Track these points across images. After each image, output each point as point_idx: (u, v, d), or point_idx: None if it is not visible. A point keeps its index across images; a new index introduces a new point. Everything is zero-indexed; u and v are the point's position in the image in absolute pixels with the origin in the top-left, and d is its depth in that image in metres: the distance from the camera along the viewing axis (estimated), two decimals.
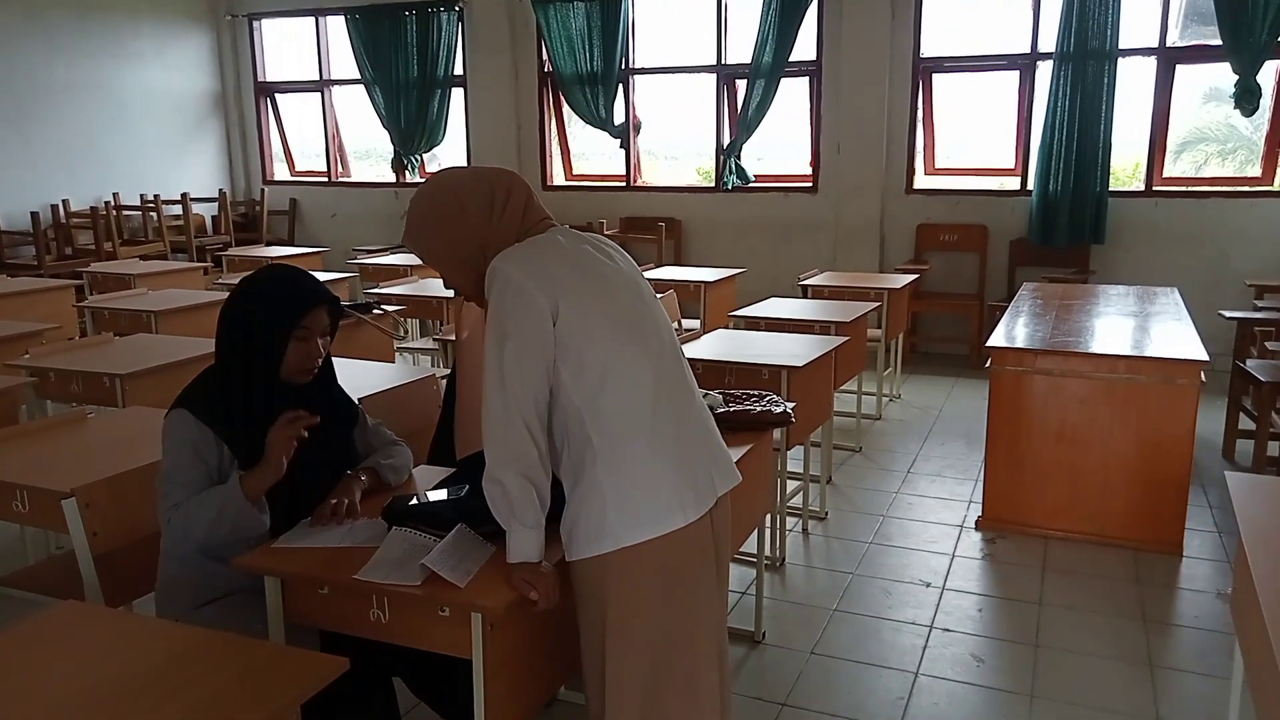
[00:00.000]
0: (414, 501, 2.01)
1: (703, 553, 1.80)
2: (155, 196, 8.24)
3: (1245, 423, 4.64)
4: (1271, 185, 6.37)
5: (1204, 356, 3.55)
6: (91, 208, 7.82)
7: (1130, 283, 5.83)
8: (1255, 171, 6.51)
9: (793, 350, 3.64)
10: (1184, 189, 6.59)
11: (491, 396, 1.68)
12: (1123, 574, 3.47)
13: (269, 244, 8.86)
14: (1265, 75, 6.10)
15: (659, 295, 5.33)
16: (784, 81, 7.29)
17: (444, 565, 1.71)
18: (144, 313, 4.75)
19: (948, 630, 3.09)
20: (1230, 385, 4.73)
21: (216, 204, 8.96)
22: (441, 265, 1.84)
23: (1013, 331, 4.08)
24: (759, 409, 2.66)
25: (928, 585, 3.40)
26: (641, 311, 1.81)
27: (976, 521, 3.92)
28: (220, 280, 5.96)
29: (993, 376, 3.82)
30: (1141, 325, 4.26)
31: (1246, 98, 6.07)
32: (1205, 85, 6.76)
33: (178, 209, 8.34)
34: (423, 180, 8.96)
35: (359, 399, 2.86)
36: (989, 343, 3.87)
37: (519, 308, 1.68)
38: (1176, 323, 4.21)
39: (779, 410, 2.67)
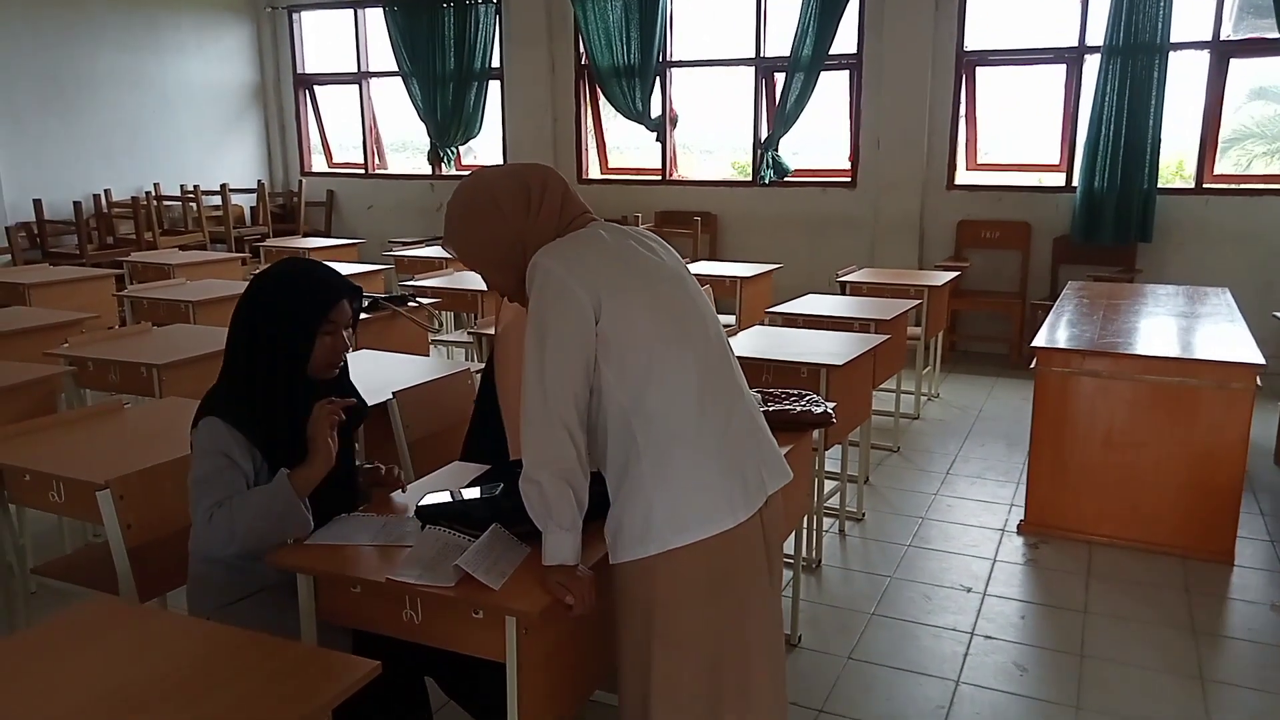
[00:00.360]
0: (448, 499, 1.98)
1: (753, 553, 1.75)
2: (195, 187, 8.32)
3: None
4: None
5: (1260, 360, 3.43)
6: (133, 198, 7.90)
7: (1178, 282, 5.68)
8: None
9: (832, 348, 3.57)
10: (1235, 187, 6.40)
11: (530, 395, 1.64)
12: (1171, 582, 3.37)
13: (306, 235, 8.91)
14: None
15: None
16: (823, 75, 7.19)
17: (478, 567, 1.67)
18: (182, 303, 4.77)
19: (990, 637, 3.01)
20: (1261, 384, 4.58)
21: (255, 195, 9.02)
22: (481, 265, 1.80)
23: (1058, 332, 3.97)
24: (799, 409, 2.60)
25: (969, 590, 3.32)
26: (687, 307, 1.76)
27: (1019, 525, 3.82)
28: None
29: (1037, 377, 3.73)
30: (1192, 326, 4.13)
31: None
32: (1252, 81, 6.56)
33: (217, 200, 8.40)
34: (460, 174, 8.96)
35: (392, 393, 2.86)
36: (1034, 343, 3.77)
37: (560, 304, 1.64)
38: (1229, 324, 4.08)
39: (819, 410, 2.61)
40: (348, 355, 2.12)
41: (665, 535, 1.65)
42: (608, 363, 1.66)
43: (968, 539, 3.76)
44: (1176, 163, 6.68)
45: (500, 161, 8.63)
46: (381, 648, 1.86)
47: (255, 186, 9.06)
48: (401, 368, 3.33)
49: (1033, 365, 3.74)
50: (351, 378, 2.17)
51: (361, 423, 2.21)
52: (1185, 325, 4.17)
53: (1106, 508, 3.65)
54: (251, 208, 9.10)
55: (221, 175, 8.73)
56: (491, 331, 4.06)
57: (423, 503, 1.95)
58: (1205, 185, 6.43)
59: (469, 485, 2.10)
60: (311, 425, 1.92)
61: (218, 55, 9.04)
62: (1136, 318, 4.30)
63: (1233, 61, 6.29)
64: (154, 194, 8.21)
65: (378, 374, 3.23)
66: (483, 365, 3.41)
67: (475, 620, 1.68)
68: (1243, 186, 6.39)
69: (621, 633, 1.75)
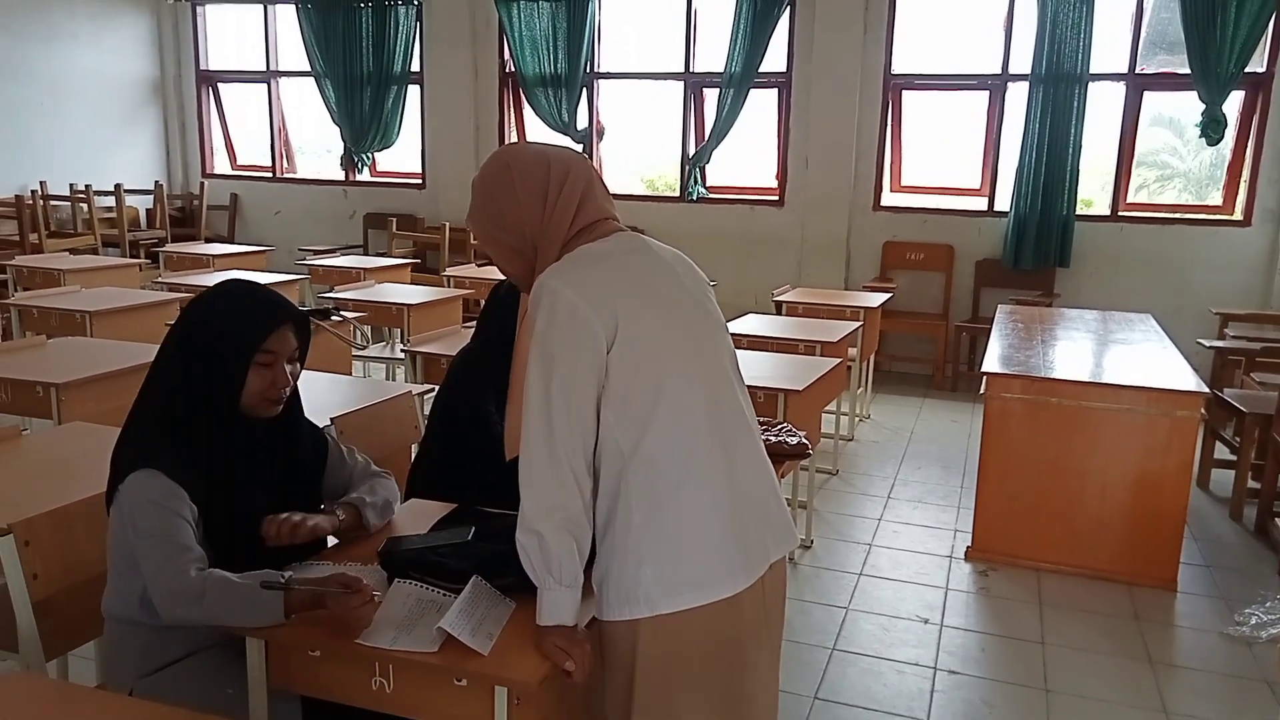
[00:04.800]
0: (416, 546, 1.77)
1: (752, 624, 1.57)
2: (86, 187, 7.74)
3: (1220, 451, 4.62)
4: (1232, 214, 6.43)
5: (1204, 388, 3.48)
6: (16, 196, 7.30)
7: (1093, 307, 5.81)
8: (1216, 199, 6.58)
9: (788, 372, 3.47)
10: (1147, 215, 6.62)
11: (533, 435, 1.46)
12: (1121, 611, 3.37)
13: (208, 240, 8.41)
14: (1230, 105, 6.16)
15: None
16: (753, 92, 7.16)
17: (464, 629, 1.48)
18: (78, 313, 4.38)
19: (954, 672, 2.94)
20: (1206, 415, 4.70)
21: (152, 196, 8.48)
22: (493, 248, 1.63)
23: (1004, 356, 3.97)
24: (774, 439, 2.48)
25: (926, 622, 3.26)
26: (703, 342, 1.59)
27: (966, 552, 3.79)
28: (160, 279, 5.57)
29: (987, 403, 3.70)
30: (1131, 353, 4.19)
31: (1213, 127, 6.12)
32: (1151, 111, 6.80)
33: (110, 201, 7.86)
34: (376, 180, 8.54)
35: (330, 418, 2.62)
36: (984, 368, 3.74)
37: (571, 333, 1.46)
38: (1164, 351, 4.16)
39: (795, 441, 2.49)
40: (297, 389, 1.88)
41: (654, 598, 1.48)
42: (608, 401, 1.49)
43: (917, 566, 3.70)
44: (1089, 191, 6.87)
45: (420, 167, 8.33)
46: (334, 717, 1.65)
47: (152, 188, 8.52)
48: (333, 389, 3.08)
49: (982, 391, 3.71)
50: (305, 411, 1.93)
51: (325, 462, 1.96)
52: (1123, 351, 4.24)
53: (1054, 535, 3.65)
54: (148, 210, 8.55)
55: (115, 175, 8.16)
56: (429, 349, 3.84)
57: (388, 550, 1.74)
58: (1120, 213, 6.63)
59: (434, 529, 1.90)
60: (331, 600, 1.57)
61: (114, 47, 8.48)
62: (1074, 343, 4.35)
63: (1146, 94, 6.51)
64: (40, 193, 7.61)
65: (307, 396, 2.97)
66: (427, 387, 3.20)
67: (458, 689, 1.48)
68: (1154, 215, 6.61)
69: (607, 696, 1.58)
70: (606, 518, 1.52)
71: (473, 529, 1.82)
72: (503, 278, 2.74)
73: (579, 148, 7.70)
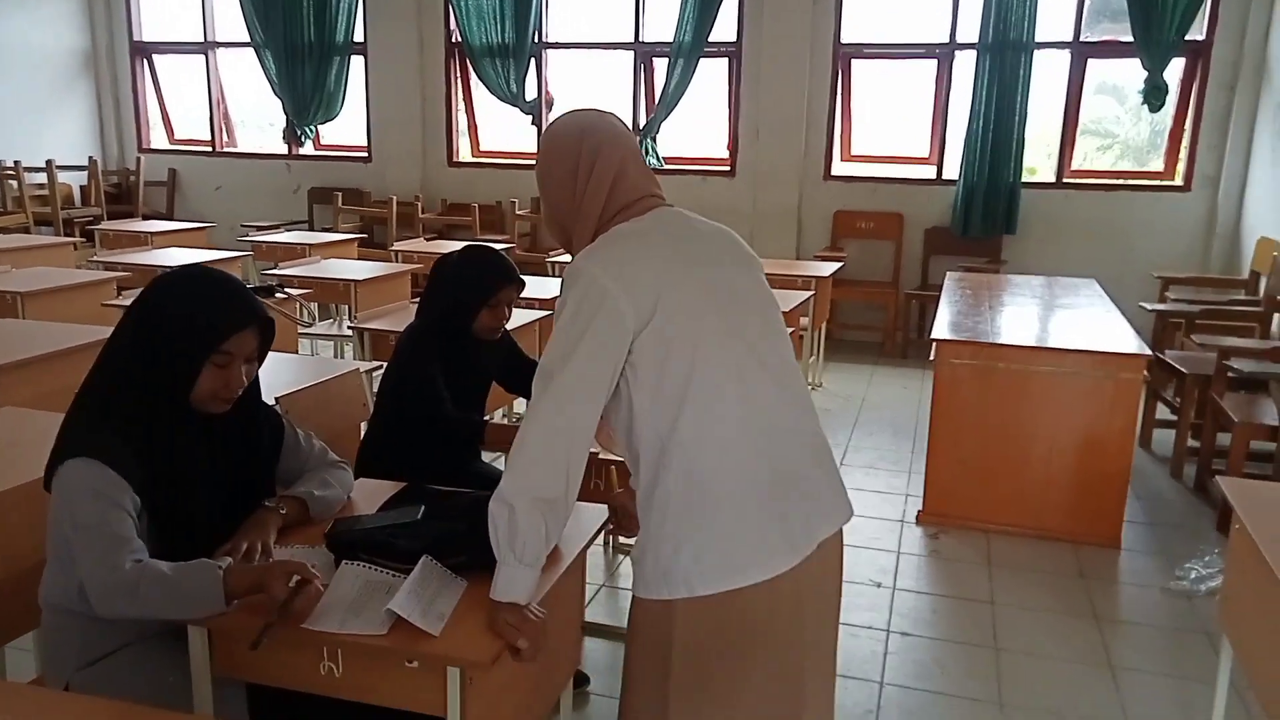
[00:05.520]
0: (365, 526, 1.74)
1: (796, 604, 1.52)
2: (15, 163, 7.47)
3: (1162, 412, 4.73)
4: (1173, 180, 6.56)
5: (1146, 351, 3.55)
6: None
7: (1040, 273, 5.90)
8: (1158, 166, 6.70)
9: None
10: (1092, 181, 6.72)
11: (539, 414, 1.43)
12: (1067, 569, 3.45)
13: (146, 217, 8.18)
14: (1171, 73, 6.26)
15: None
16: (703, 62, 7.11)
17: (413, 610, 1.45)
18: (8, 294, 4.22)
19: (906, 634, 2.98)
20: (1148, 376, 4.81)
21: (86, 173, 8.21)
22: (544, 215, 1.65)
23: (953, 323, 4.01)
24: None
25: (879, 585, 3.30)
26: (742, 321, 1.52)
27: (917, 515, 3.85)
28: (95, 258, 5.40)
29: (937, 369, 3.74)
30: (1076, 318, 4.26)
31: (1155, 94, 6.21)
32: (1096, 79, 6.89)
33: (42, 177, 7.59)
34: (320, 154, 8.34)
35: (276, 398, 2.56)
36: (934, 335, 3.78)
37: (598, 321, 1.42)
38: (1108, 315, 4.23)
39: None
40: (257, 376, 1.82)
41: (691, 579, 1.45)
42: (640, 384, 1.46)
43: (869, 531, 3.74)
44: (1034, 159, 6.95)
45: (365, 140, 8.16)
46: (282, 702, 1.62)
47: (86, 164, 8.24)
48: (281, 368, 3.00)
49: (931, 357, 3.75)
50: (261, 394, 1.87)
51: (280, 448, 1.91)
52: (1068, 316, 4.30)
53: (1002, 497, 3.71)
54: (82, 187, 8.29)
55: (47, 150, 7.87)
56: (376, 326, 3.77)
57: (335, 531, 1.71)
58: (1065, 180, 6.72)
59: (383, 508, 1.87)
60: (270, 568, 1.55)
61: (43, 17, 8.17)
62: (1021, 309, 4.41)
63: (1090, 62, 6.59)
64: None
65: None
66: (376, 364, 3.15)
67: (408, 671, 1.46)
68: (1099, 181, 6.72)
69: (633, 671, 1.56)
70: (647, 499, 1.49)
71: (422, 508, 1.79)
72: (447, 251, 2.71)
73: (528, 119, 7.61)
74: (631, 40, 7.41)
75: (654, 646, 1.50)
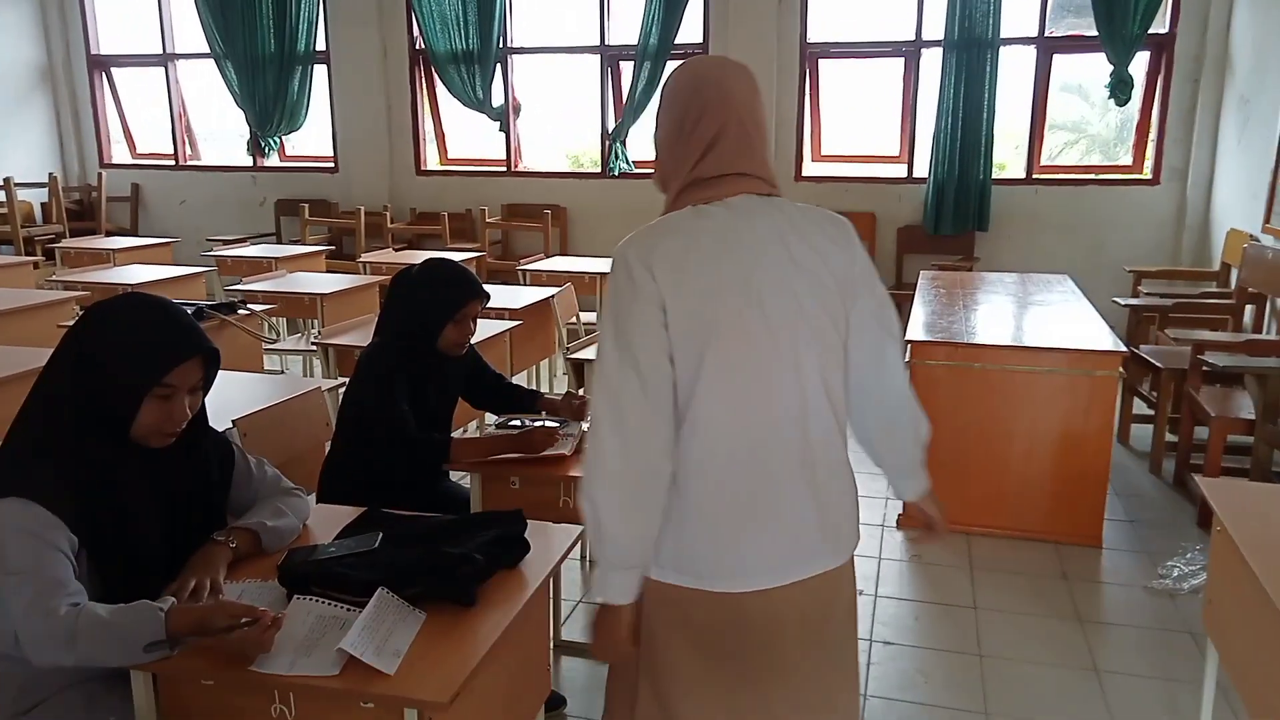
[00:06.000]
0: (317, 557, 1.66)
1: (766, 633, 1.45)
2: None
3: (1139, 407, 4.72)
4: (1142, 174, 6.57)
5: (1122, 347, 3.52)
6: None
7: (1012, 269, 5.88)
8: (1126, 160, 6.72)
9: None
10: (1061, 177, 6.73)
11: (597, 403, 1.39)
12: (1049, 570, 3.41)
13: (109, 234, 8.03)
14: (1136, 67, 6.27)
15: (557, 289, 4.90)
16: (670, 64, 7.06)
17: (366, 647, 1.38)
18: None
19: (889, 643, 2.93)
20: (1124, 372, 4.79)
21: (46, 190, 8.04)
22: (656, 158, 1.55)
23: (927, 324, 3.97)
24: None
25: (861, 593, 3.24)
26: (778, 338, 1.41)
27: (898, 520, 3.80)
28: (55, 276, 5.26)
29: (912, 370, 3.69)
30: (1051, 315, 4.23)
31: (1121, 88, 6.23)
32: (1062, 75, 6.90)
33: (0, 195, 7.42)
34: (284, 166, 8.20)
35: (232, 420, 2.47)
36: (908, 336, 3.73)
37: (630, 299, 1.38)
38: (1082, 311, 4.21)
39: None
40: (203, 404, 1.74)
41: (662, 563, 1.44)
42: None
43: None
44: (1004, 155, 6.95)
45: (331, 150, 8.04)
46: None
47: (46, 180, 8.07)
48: (239, 388, 2.91)
49: (906, 359, 3.71)
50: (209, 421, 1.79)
51: (231, 479, 1.83)
52: (1042, 314, 4.27)
53: (982, 498, 3.67)
54: (43, 204, 8.12)
55: (5, 168, 7.71)
56: (341, 341, 3.68)
57: (287, 564, 1.63)
58: (1034, 176, 6.72)
59: (340, 535, 1.79)
60: (214, 608, 1.48)
61: None
62: (995, 307, 4.38)
63: (1055, 57, 6.59)
64: None
65: (212, 397, 2.81)
66: (340, 382, 3.05)
67: (364, 711, 1.39)
68: (1067, 177, 6.72)
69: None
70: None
71: (380, 535, 1.72)
72: (407, 265, 2.63)
73: (495, 125, 7.53)
74: (597, 44, 7.35)
75: (643, 625, 1.48)
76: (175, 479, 1.70)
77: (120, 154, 8.82)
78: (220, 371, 3.18)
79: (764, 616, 1.45)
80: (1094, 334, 3.74)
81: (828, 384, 1.46)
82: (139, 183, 8.61)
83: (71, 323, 1.65)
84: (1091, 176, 6.70)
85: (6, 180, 7.38)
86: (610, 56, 7.36)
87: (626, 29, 7.22)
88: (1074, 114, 7.18)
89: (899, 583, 3.34)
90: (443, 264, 2.52)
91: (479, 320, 2.66)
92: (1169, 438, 4.33)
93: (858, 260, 1.50)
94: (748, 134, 1.46)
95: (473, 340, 2.62)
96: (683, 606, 1.44)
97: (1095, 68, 6.40)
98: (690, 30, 7.02)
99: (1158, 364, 4.27)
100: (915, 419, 1.67)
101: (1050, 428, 3.56)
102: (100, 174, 8.47)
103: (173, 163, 8.57)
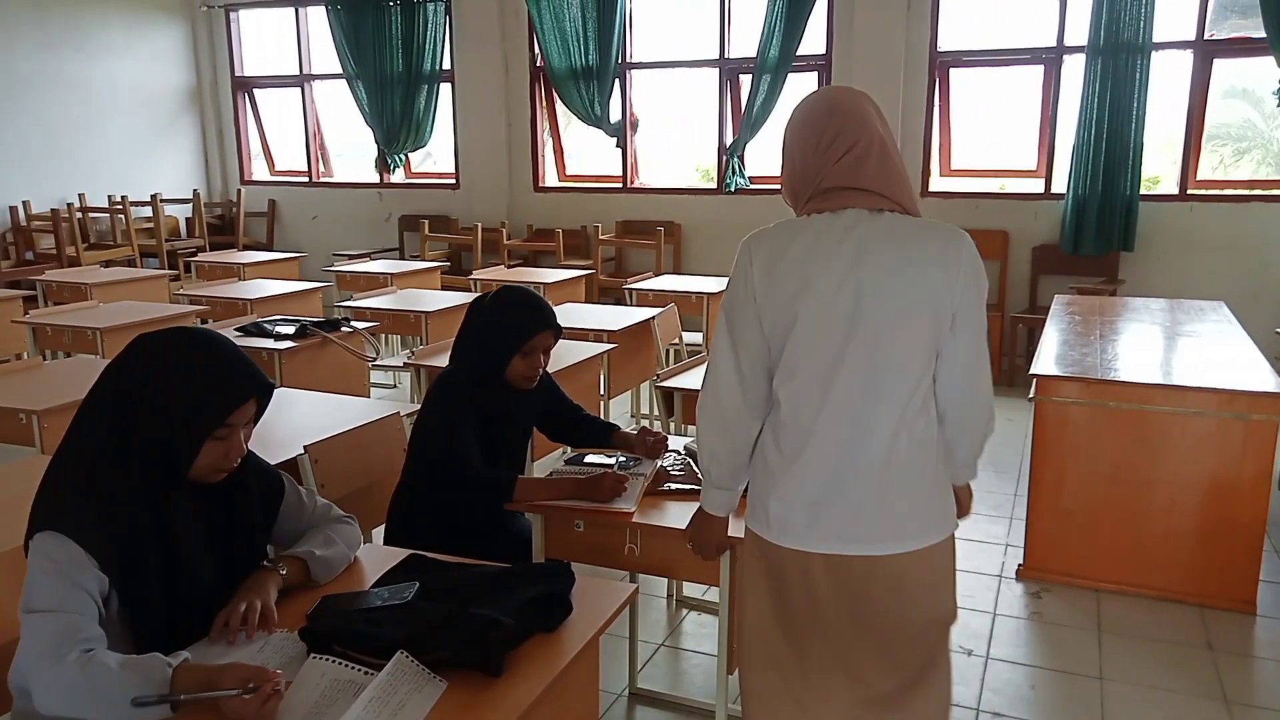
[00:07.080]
0: (346, 609, 1.55)
1: (808, 593, 1.65)
2: (123, 198, 7.76)
3: None
4: None
5: None
6: (53, 210, 7.35)
7: (1161, 294, 5.38)
8: None
9: None
10: (1219, 193, 6.14)
11: (707, 377, 1.69)
12: (1192, 639, 3.03)
13: (246, 248, 8.41)
14: None
15: (659, 310, 4.76)
16: (791, 77, 6.84)
17: None
18: (89, 330, 4.29)
19: (999, 715, 2.64)
20: None
21: (190, 205, 8.49)
22: (783, 177, 1.75)
23: (1057, 355, 3.62)
24: None
25: (970, 653, 2.95)
26: (851, 341, 1.57)
27: (1018, 570, 3.47)
28: (182, 290, 5.48)
29: (1037, 407, 3.37)
30: (1200, 347, 3.80)
31: None
32: (1224, 82, 6.30)
33: (148, 211, 7.87)
34: (410, 183, 8.40)
35: (304, 447, 2.42)
36: (1034, 370, 3.41)
37: (736, 285, 1.64)
38: (1239, 345, 3.76)
39: None
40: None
41: (748, 510, 1.72)
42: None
43: (963, 587, 3.33)
44: (1156, 169, 6.41)
45: (453, 167, 8.18)
46: None
47: (190, 196, 8.52)
48: (323, 412, 2.89)
49: (1031, 395, 3.39)
50: (257, 453, 1.72)
51: (279, 508, 1.77)
52: (1192, 346, 3.85)
53: (1115, 552, 3.31)
54: (187, 219, 8.57)
55: (154, 185, 8.18)
56: (429, 363, 3.63)
57: (316, 614, 1.53)
58: (1189, 191, 6.16)
59: (377, 583, 1.69)
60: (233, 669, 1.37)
61: (149, 56, 8.50)
62: (1137, 337, 3.98)
63: (1216, 62, 6.03)
64: (78, 205, 7.64)
65: (292, 421, 2.79)
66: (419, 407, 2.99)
67: None
68: (1227, 192, 6.13)
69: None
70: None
71: (416, 585, 1.60)
72: (486, 291, 2.53)
73: (613, 141, 7.48)
74: (717, 57, 7.19)
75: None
76: (217, 514, 1.64)
77: (260, 171, 9.23)
78: (308, 393, 3.17)
79: (825, 578, 1.63)
80: (1251, 372, 3.32)
81: (897, 391, 1.59)
82: (275, 199, 8.98)
83: (113, 360, 1.60)
84: (1256, 192, 6.08)
85: (154, 196, 7.81)
86: (729, 70, 7.19)
87: (747, 41, 7.03)
88: (1240, 122, 6.55)
89: (1015, 643, 3.03)
90: (515, 293, 2.41)
91: (563, 343, 2.54)
92: None
93: (960, 276, 1.58)
94: (878, 153, 1.60)
95: (569, 363, 2.50)
96: (754, 552, 1.71)
97: (1264, 72, 5.80)
98: (812, 41, 6.78)
99: None
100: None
101: (1198, 475, 3.17)
102: (240, 190, 8.89)
103: (307, 180, 8.91)
